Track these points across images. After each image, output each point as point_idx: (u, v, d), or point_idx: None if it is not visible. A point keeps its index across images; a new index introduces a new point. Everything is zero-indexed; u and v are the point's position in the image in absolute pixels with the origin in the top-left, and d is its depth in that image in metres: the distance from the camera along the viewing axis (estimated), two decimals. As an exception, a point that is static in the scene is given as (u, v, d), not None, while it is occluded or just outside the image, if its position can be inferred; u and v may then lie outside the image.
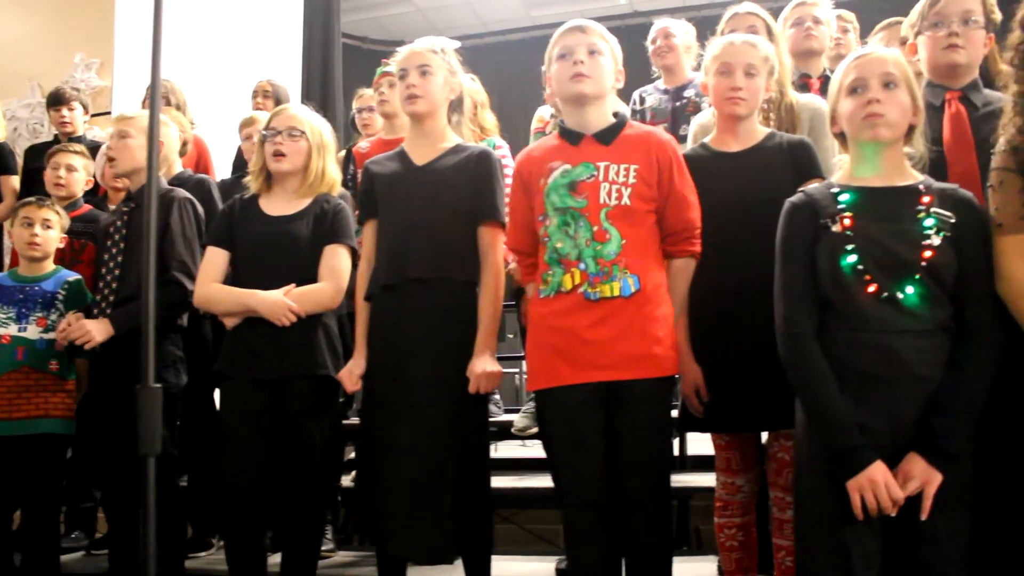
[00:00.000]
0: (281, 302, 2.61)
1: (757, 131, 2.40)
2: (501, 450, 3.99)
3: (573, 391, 2.14)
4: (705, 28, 2.96)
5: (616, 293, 2.13)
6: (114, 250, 3.05)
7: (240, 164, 4.12)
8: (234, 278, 2.75)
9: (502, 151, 3.64)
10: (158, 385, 1.67)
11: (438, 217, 2.51)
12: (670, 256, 2.26)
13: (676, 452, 3.63)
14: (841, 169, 2.01)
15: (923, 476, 1.73)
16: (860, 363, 1.80)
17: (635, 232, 2.17)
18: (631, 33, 3.92)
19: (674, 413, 2.38)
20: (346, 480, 3.33)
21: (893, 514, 1.74)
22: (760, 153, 2.35)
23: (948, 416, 1.75)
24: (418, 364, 2.43)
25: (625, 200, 2.17)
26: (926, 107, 2.25)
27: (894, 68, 1.90)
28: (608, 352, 2.12)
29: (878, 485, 1.73)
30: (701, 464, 3.42)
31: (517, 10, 8.28)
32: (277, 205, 2.79)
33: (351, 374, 2.56)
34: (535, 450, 4.08)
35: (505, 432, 3.65)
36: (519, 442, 4.12)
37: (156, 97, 1.62)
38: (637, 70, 3.94)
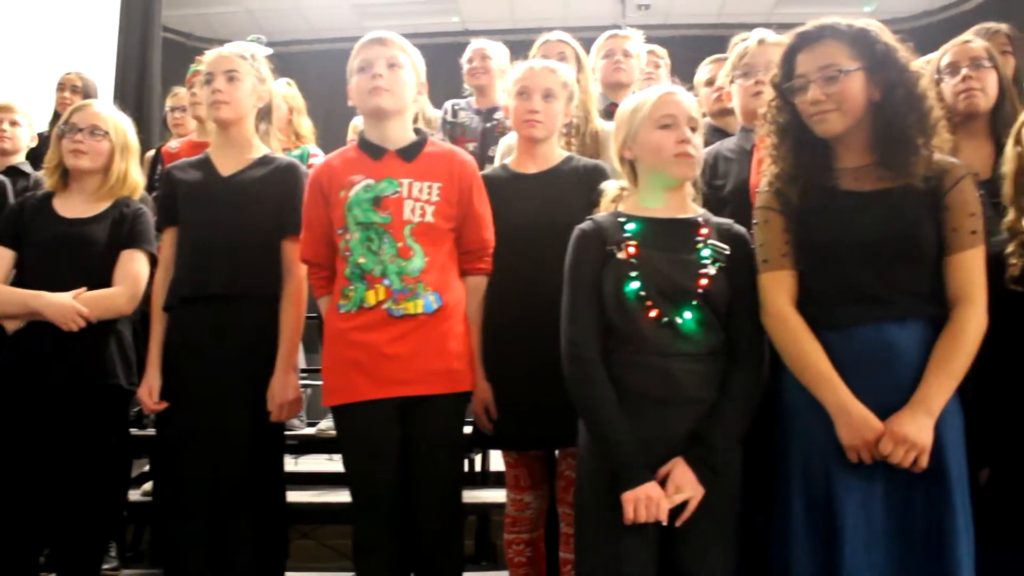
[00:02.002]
0: (69, 305, 2.50)
1: (555, 154, 2.47)
2: (304, 463, 3.92)
3: (372, 405, 2.15)
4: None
5: (419, 310, 2.15)
6: None
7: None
8: (20, 281, 2.60)
9: (317, 159, 3.60)
10: None
11: (242, 230, 2.47)
12: (465, 274, 2.29)
13: (478, 468, 3.69)
14: (606, 196, 2.12)
15: (692, 489, 1.85)
16: (639, 384, 1.90)
17: (437, 250, 2.20)
18: (462, 51, 3.97)
19: (468, 429, 2.43)
20: (136, 494, 3.19)
21: (665, 523, 1.84)
22: (556, 176, 2.42)
23: (716, 434, 1.87)
24: (216, 380, 2.39)
25: (428, 217, 2.19)
26: (738, 151, 2.43)
27: (696, 113, 2.03)
28: (408, 367, 2.13)
29: (651, 500, 1.83)
30: (502, 480, 3.48)
31: (349, 19, 8.20)
32: (73, 206, 2.69)
33: (151, 393, 2.48)
34: (339, 464, 4.04)
35: (308, 445, 3.60)
36: (325, 456, 4.07)
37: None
38: (463, 88, 4.01)
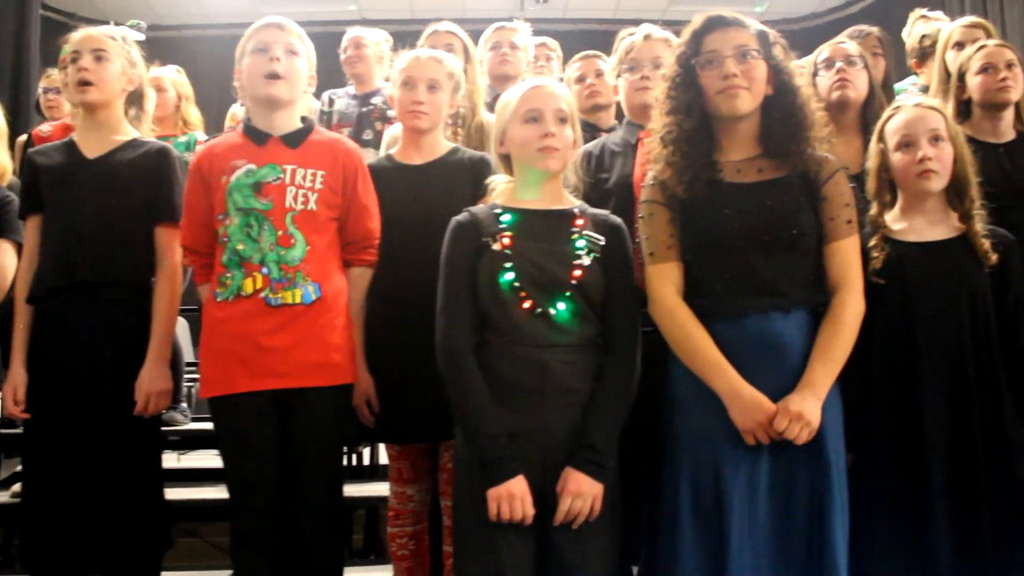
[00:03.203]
0: (-73, 300, 2.37)
1: (440, 145, 2.46)
2: (189, 459, 3.82)
3: (248, 398, 2.11)
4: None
5: (298, 300, 2.11)
6: None
7: None
8: None
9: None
10: None
11: (110, 215, 2.37)
12: (349, 264, 2.26)
13: (367, 461, 3.65)
14: (495, 190, 2.11)
15: (592, 491, 1.85)
16: (513, 375, 1.90)
17: (319, 239, 2.16)
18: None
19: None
20: (5, 496, 3.05)
21: (528, 522, 1.84)
22: (441, 167, 2.41)
23: (597, 432, 1.88)
24: (87, 373, 2.30)
25: (311, 205, 2.15)
26: (623, 145, 2.43)
27: (565, 105, 2.02)
28: (286, 359, 2.10)
29: (514, 498, 1.83)
30: (390, 473, 3.46)
31: (244, 4, 7.98)
32: (-68, 194, 2.54)
33: (16, 394, 2.34)
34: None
35: (192, 441, 3.49)
36: (214, 451, 3.98)
37: None
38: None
